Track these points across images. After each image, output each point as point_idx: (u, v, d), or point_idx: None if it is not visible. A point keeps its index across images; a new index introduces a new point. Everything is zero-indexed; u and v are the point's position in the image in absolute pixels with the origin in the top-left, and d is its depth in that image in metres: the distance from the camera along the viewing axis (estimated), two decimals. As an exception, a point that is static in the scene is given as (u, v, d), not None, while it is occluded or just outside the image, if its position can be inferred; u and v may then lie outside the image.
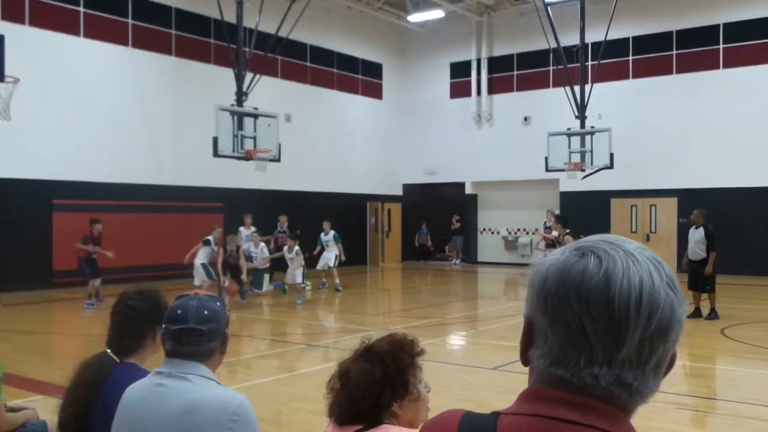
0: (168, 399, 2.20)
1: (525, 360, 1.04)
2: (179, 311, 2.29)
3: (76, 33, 17.50)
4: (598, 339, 0.94)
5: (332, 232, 17.13)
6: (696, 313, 12.45)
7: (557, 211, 20.24)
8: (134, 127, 18.34)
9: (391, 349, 2.21)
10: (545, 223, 18.74)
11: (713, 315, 12.31)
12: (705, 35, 21.38)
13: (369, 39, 25.79)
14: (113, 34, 18.20)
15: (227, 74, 16.80)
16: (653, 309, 0.94)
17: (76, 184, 17.09)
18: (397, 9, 24.58)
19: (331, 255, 16.92)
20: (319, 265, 16.92)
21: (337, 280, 16.79)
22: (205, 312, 2.29)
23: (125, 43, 18.46)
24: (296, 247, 15.22)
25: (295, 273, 15.11)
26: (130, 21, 18.61)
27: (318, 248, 17.08)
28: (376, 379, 2.14)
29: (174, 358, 2.28)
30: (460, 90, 26.18)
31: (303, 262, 15.19)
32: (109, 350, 2.78)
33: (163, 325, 2.32)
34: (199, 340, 2.26)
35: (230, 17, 16.50)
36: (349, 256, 18.37)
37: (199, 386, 2.21)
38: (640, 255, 0.97)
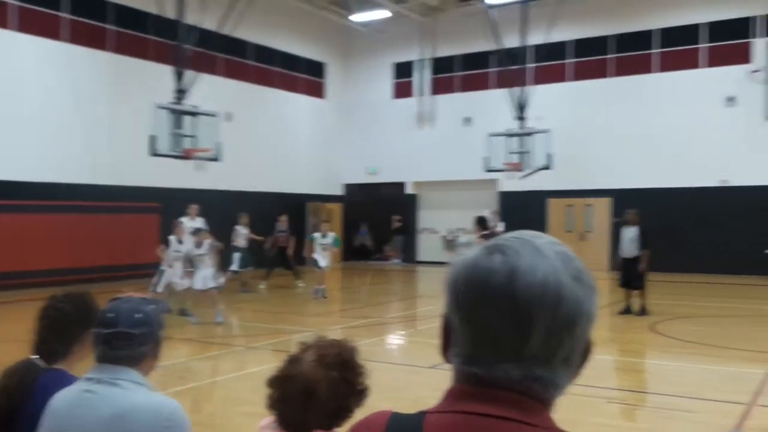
0: (98, 406, 2.14)
1: (447, 358, 1.06)
2: (110, 314, 2.23)
3: (6, 26, 16.91)
4: (505, 335, 0.96)
5: (331, 234, 15.81)
6: (627, 310, 12.85)
7: (495, 209, 20.52)
8: (68, 125, 17.81)
9: (344, 353, 2.24)
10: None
11: (643, 311, 12.71)
12: (640, 40, 22.03)
13: (312, 38, 25.67)
14: (47, 28, 17.65)
15: (166, 71, 16.46)
16: (557, 304, 0.95)
17: (6, 184, 16.49)
18: (341, 8, 24.52)
19: (321, 257, 15.47)
20: (316, 264, 15.54)
21: (324, 286, 15.54)
22: (137, 315, 2.23)
23: (59, 38, 17.93)
24: (207, 242, 12.44)
25: (206, 276, 12.18)
26: (64, 15, 18.08)
27: (306, 248, 16.09)
28: (348, 386, 2.18)
29: (104, 363, 2.22)
30: (403, 90, 26.31)
31: (214, 262, 12.60)
32: (35, 356, 2.69)
33: (94, 329, 2.26)
34: (130, 344, 2.20)
35: (170, 13, 16.18)
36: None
37: (131, 392, 2.16)
38: (549, 250, 0.99)
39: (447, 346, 1.05)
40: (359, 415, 2.27)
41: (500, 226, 18.54)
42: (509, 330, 0.96)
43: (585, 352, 1.02)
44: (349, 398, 2.18)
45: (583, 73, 22.91)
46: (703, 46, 21.27)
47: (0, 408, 2.53)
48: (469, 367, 1.00)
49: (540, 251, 0.98)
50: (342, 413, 2.18)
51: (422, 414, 1.03)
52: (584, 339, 1.00)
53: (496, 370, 0.98)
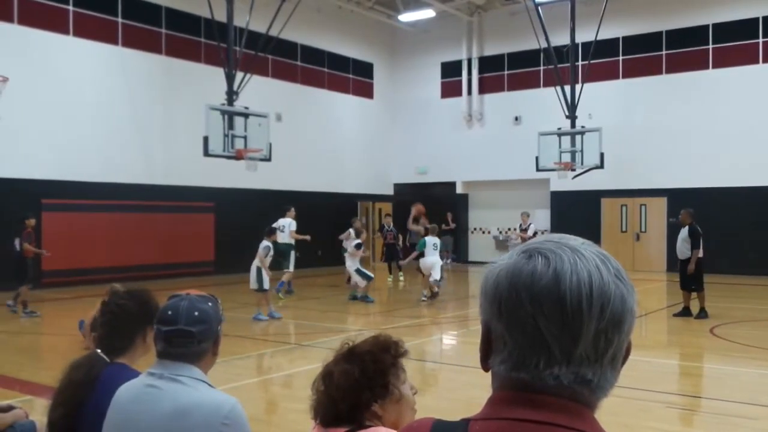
0: (160, 400, 2.18)
1: (486, 367, 1.05)
2: (170, 312, 2.27)
3: (66, 32, 17.40)
4: (555, 338, 0.96)
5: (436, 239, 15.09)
6: (685, 312, 12.53)
7: (530, 213, 20.06)
8: (124, 126, 18.25)
9: (372, 349, 2.21)
10: (521, 225, 18.85)
11: (702, 314, 12.36)
12: (694, 35, 21.47)
13: (360, 38, 25.77)
14: (103, 33, 18.10)
15: (217, 73, 16.74)
16: (605, 302, 0.96)
17: (66, 184, 17.00)
18: (388, 8, 24.56)
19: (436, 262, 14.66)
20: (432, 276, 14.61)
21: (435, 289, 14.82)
22: (196, 313, 2.27)
23: (115, 42, 18.37)
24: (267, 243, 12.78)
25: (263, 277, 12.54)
26: (119, 20, 18.52)
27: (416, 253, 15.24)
28: (355, 380, 2.13)
29: (165, 359, 2.27)
30: (450, 89, 26.19)
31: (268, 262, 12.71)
32: (98, 350, 2.76)
33: (155, 326, 2.31)
34: (189, 342, 2.25)
35: (220, 16, 16.45)
36: (340, 256, 18.32)
37: (191, 388, 2.20)
38: (586, 251, 1.00)
39: (488, 355, 1.04)
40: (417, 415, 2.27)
41: (531, 229, 18.27)
42: (559, 332, 0.96)
43: (627, 351, 1.02)
44: (363, 391, 2.13)
45: (635, 70, 22.43)
46: (764, 41, 20.59)
47: (68, 399, 2.62)
48: (517, 373, 0.99)
49: (578, 251, 0.99)
50: (360, 406, 2.12)
51: (466, 421, 1.02)
52: (629, 337, 1.01)
53: (546, 375, 0.97)
